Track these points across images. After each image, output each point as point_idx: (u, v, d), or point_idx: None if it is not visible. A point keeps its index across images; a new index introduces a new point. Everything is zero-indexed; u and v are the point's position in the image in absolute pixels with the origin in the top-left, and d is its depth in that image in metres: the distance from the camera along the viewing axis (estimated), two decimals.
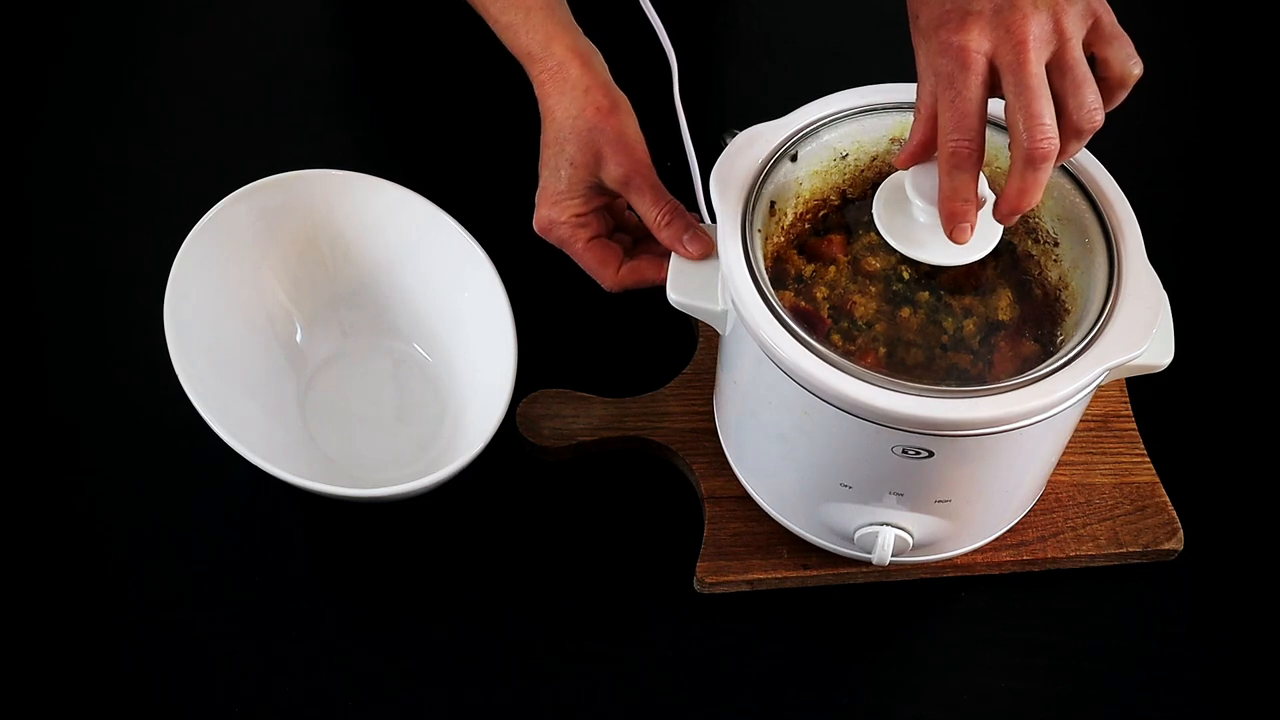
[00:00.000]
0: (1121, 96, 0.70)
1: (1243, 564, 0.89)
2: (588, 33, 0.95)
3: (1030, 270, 0.79)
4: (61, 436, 0.92)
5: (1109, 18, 0.68)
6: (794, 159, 0.78)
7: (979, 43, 0.66)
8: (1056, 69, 0.67)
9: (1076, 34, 0.67)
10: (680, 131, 0.95)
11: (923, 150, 0.71)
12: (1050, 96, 0.66)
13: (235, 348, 0.88)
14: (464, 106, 1.09)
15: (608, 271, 0.84)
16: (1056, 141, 0.66)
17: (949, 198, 0.69)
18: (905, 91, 0.80)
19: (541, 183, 0.83)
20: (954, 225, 0.69)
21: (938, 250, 0.73)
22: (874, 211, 0.74)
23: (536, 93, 0.83)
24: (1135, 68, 0.69)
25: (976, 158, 0.68)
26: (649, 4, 0.94)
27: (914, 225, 0.73)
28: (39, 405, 0.93)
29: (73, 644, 0.84)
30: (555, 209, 0.83)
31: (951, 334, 0.76)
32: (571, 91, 0.81)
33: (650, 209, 0.80)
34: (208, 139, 1.07)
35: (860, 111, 0.79)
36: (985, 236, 0.73)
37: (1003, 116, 0.73)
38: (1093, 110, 0.67)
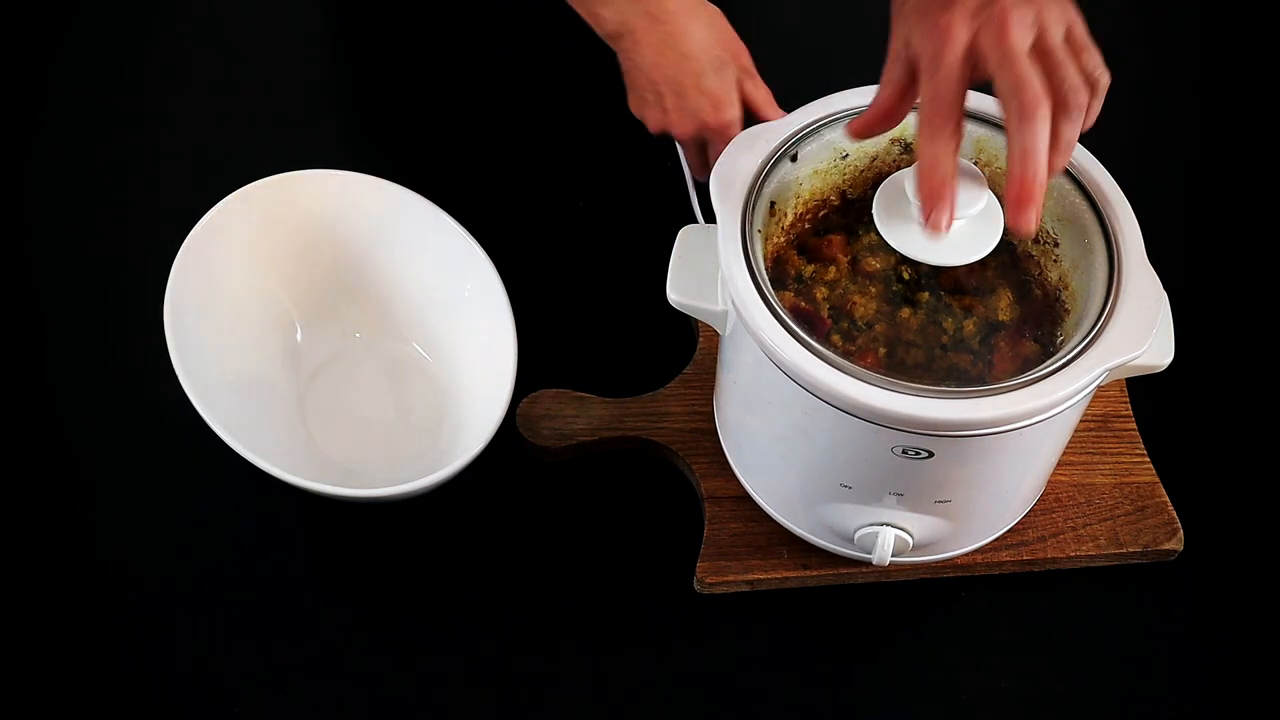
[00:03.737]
0: (1095, 107, 0.70)
1: (1243, 564, 0.89)
2: (580, 34, 0.95)
3: (1030, 270, 0.79)
4: (61, 437, 0.92)
5: (1080, 29, 0.69)
6: (794, 159, 0.78)
7: (962, 25, 0.67)
8: (1038, 53, 0.67)
9: (1056, 29, 0.68)
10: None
11: (881, 118, 0.72)
12: (1035, 67, 0.67)
13: (235, 348, 0.88)
14: (464, 107, 1.09)
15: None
16: (1044, 96, 0.66)
17: (928, 170, 0.69)
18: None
19: (709, 88, 0.91)
20: (932, 204, 0.69)
21: (937, 250, 0.73)
22: (874, 211, 0.74)
23: (649, 25, 0.91)
24: (1104, 76, 0.69)
25: (954, 126, 0.68)
26: None
27: (914, 225, 0.73)
28: (39, 405, 0.93)
29: (73, 644, 0.84)
30: (735, 107, 0.92)
31: (951, 334, 0.76)
32: (702, 11, 0.92)
33: (763, 86, 0.94)
34: (208, 139, 1.07)
35: (860, 111, 0.79)
36: (985, 236, 0.73)
37: (998, 113, 0.73)
38: (1076, 86, 0.67)
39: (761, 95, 0.93)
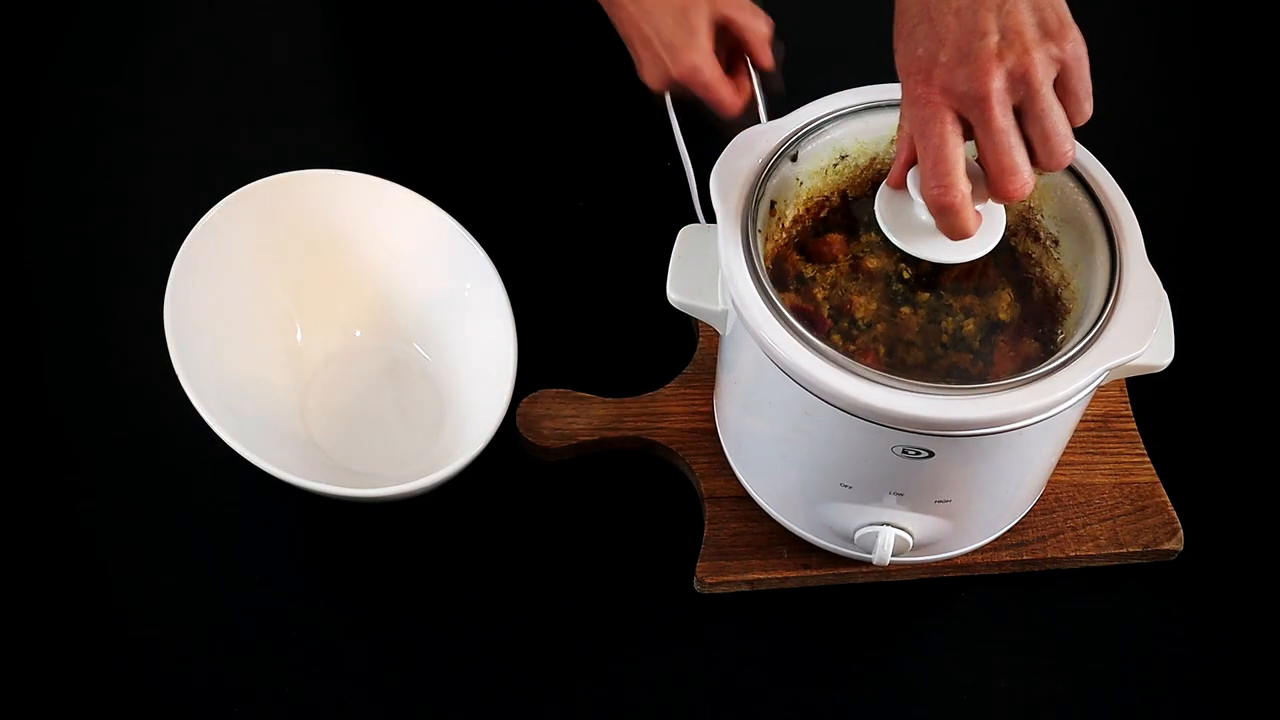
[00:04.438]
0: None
1: (1243, 564, 0.89)
2: (580, 35, 0.95)
3: (1030, 270, 0.79)
4: (61, 437, 0.92)
5: (1074, 70, 0.67)
6: (794, 159, 0.78)
7: (943, 96, 0.67)
8: (1026, 115, 0.67)
9: (1045, 79, 0.66)
10: (673, 133, 0.95)
11: (902, 179, 0.73)
12: (1019, 143, 0.67)
13: (235, 348, 0.88)
14: (464, 106, 1.09)
15: (738, 95, 0.89)
16: (1028, 186, 0.68)
17: (947, 233, 0.70)
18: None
19: (666, 38, 0.89)
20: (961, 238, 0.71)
21: (940, 247, 0.73)
22: (876, 208, 0.74)
23: None
24: (1084, 117, 0.69)
25: (959, 200, 0.68)
26: None
27: (916, 222, 0.73)
28: (38, 405, 0.93)
29: (72, 644, 0.84)
30: (697, 52, 0.88)
31: (951, 334, 0.76)
32: None
33: (757, 22, 0.91)
34: (208, 139, 1.07)
35: (860, 111, 0.79)
36: (987, 234, 0.73)
37: None
38: (1063, 155, 0.68)
39: (755, 35, 0.91)
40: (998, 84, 0.66)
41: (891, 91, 0.80)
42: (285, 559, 0.88)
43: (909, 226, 0.73)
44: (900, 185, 0.73)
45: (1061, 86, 0.67)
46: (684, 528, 0.88)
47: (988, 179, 0.68)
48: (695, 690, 0.83)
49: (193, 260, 0.85)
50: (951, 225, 0.69)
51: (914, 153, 0.71)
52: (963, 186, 0.68)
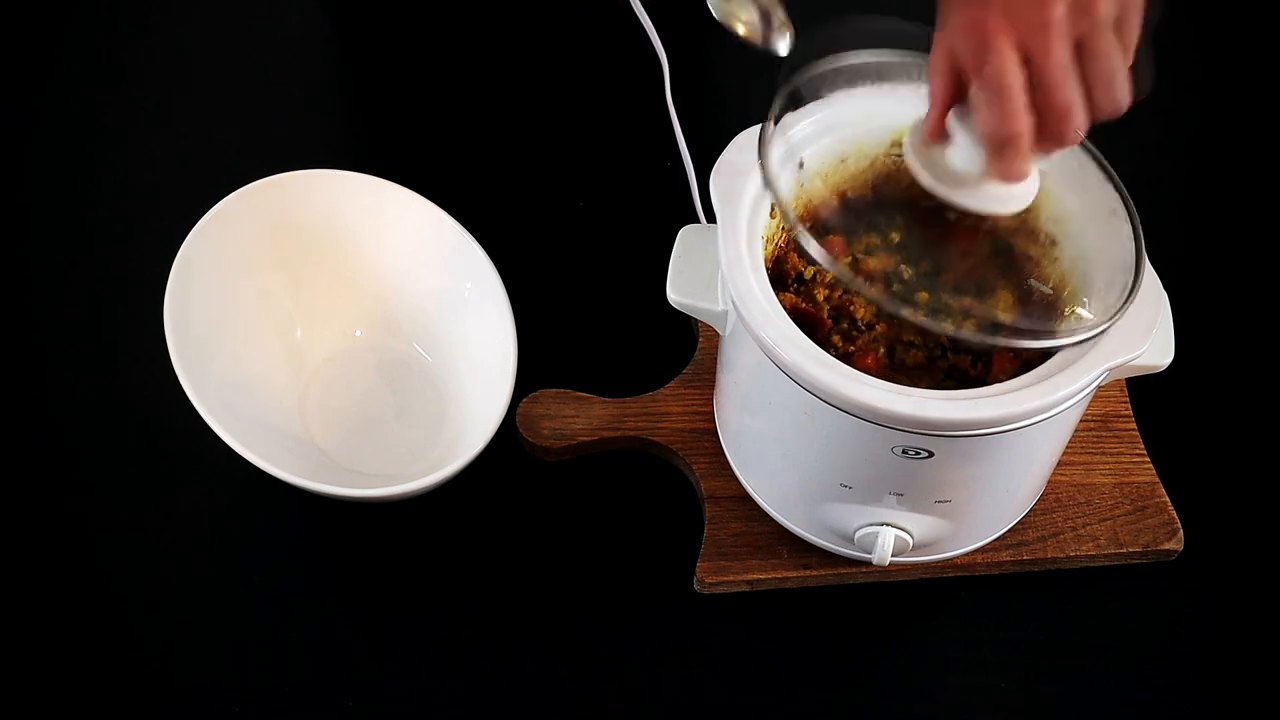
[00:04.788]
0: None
1: (1243, 564, 0.89)
2: (581, 35, 0.94)
3: (1030, 270, 0.79)
4: (61, 436, 0.92)
5: (1132, 14, 0.65)
6: (800, 165, 0.78)
7: (1001, 21, 0.64)
8: (1084, 53, 0.65)
9: (1109, 15, 0.64)
10: (674, 132, 0.95)
11: (941, 126, 0.69)
12: (1075, 82, 0.64)
13: (235, 348, 0.88)
14: (464, 106, 1.09)
15: None
16: (1081, 130, 0.65)
17: (1003, 173, 0.67)
18: (905, 92, 0.80)
19: None
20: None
21: (981, 196, 0.70)
22: (907, 156, 0.71)
23: None
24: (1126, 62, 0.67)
25: (1023, 131, 0.65)
26: (639, 4, 0.94)
27: (951, 172, 0.70)
28: (38, 406, 0.93)
29: (72, 644, 0.84)
30: None
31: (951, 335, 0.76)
32: None
33: None
34: (208, 139, 1.07)
35: (860, 108, 0.79)
36: (1026, 186, 0.71)
37: None
38: (1121, 99, 0.65)
39: None
40: (1060, 11, 0.63)
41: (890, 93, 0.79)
42: (285, 559, 0.88)
43: (943, 178, 0.70)
44: (937, 136, 0.69)
45: (1114, 31, 0.65)
46: (684, 528, 0.88)
47: (1039, 120, 0.65)
48: (695, 690, 0.83)
49: (193, 260, 0.85)
50: (1009, 162, 0.66)
51: (951, 94, 0.67)
52: (1026, 116, 0.64)
